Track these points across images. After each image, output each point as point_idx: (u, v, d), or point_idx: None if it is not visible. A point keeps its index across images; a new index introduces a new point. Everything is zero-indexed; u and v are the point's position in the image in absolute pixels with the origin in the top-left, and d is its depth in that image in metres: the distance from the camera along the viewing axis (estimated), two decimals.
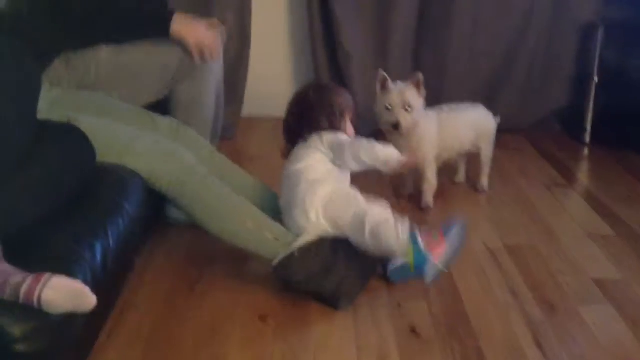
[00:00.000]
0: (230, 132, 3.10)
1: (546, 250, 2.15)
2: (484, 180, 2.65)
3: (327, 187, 1.83)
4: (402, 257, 1.81)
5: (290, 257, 1.77)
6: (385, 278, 1.90)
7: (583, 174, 2.98)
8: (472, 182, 2.68)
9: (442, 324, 1.76)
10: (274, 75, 3.44)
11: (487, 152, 2.61)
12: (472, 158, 2.64)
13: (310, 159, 1.87)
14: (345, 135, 1.92)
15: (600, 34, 3.10)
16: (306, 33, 3.25)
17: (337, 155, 1.86)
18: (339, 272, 1.78)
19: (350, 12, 3.17)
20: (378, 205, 1.81)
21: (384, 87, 2.30)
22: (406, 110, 2.27)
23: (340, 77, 3.22)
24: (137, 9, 2.10)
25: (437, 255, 1.80)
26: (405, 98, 2.27)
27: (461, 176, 2.72)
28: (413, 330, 1.73)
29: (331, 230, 1.80)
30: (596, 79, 3.14)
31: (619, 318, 1.80)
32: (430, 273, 1.80)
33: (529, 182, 2.74)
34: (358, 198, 1.83)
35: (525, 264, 2.06)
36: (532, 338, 1.70)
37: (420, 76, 2.29)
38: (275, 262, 1.78)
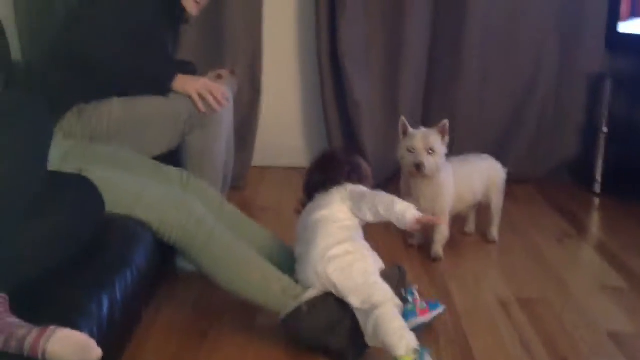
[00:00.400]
0: (240, 181, 3.12)
1: (558, 303, 2.12)
2: (494, 231, 2.63)
3: (344, 245, 1.80)
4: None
5: (298, 311, 1.75)
6: None
7: (594, 225, 2.97)
8: (482, 232, 2.66)
9: None
10: (284, 125, 3.48)
11: (497, 202, 2.61)
12: (482, 209, 2.63)
13: (331, 208, 1.87)
14: (366, 188, 1.93)
15: (608, 85, 3.13)
16: (317, 85, 3.28)
17: (355, 204, 1.86)
18: (347, 326, 1.75)
19: (360, 66, 3.21)
20: (391, 299, 1.73)
21: (405, 132, 2.33)
22: (429, 153, 2.28)
23: (350, 127, 3.24)
24: (139, 69, 2.16)
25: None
26: (428, 141, 2.29)
27: (471, 226, 2.71)
28: None
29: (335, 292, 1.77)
30: (605, 129, 3.15)
31: None
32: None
33: (540, 233, 2.72)
34: (371, 272, 1.78)
35: (538, 317, 2.03)
36: None
37: (447, 123, 2.31)
38: (283, 316, 1.77)
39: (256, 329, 1.92)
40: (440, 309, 1.94)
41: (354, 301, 1.73)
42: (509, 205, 2.86)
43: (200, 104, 2.15)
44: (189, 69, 2.40)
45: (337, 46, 3.13)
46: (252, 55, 3.17)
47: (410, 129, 2.33)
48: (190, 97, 2.15)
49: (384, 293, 1.73)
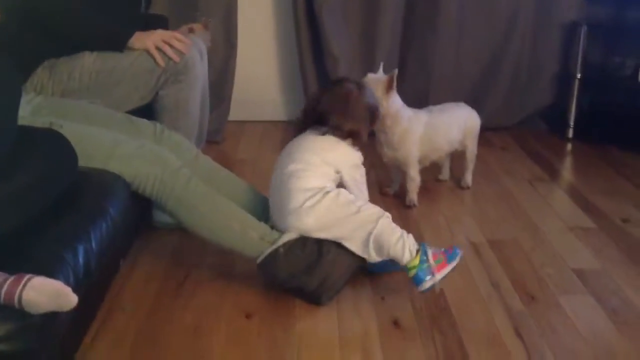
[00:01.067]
0: (218, 136, 3.14)
1: (528, 244, 2.19)
2: (468, 177, 2.68)
3: (318, 192, 1.82)
4: (406, 265, 1.78)
5: (274, 255, 1.80)
6: (367, 269, 1.93)
7: (566, 169, 3.02)
8: (457, 179, 2.71)
9: (424, 317, 1.79)
10: (261, 79, 3.48)
11: (472, 149, 2.65)
12: (457, 156, 2.68)
13: (312, 169, 1.85)
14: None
15: (583, 33, 3.15)
16: (293, 38, 3.28)
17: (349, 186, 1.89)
18: (322, 269, 1.81)
19: (336, 18, 3.20)
20: (378, 210, 1.82)
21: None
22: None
23: (325, 81, 3.25)
24: (96, 27, 2.17)
25: (440, 272, 1.78)
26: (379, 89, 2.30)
27: (446, 174, 2.76)
28: (395, 323, 1.76)
29: (325, 236, 1.81)
30: (579, 76, 3.19)
31: (598, 307, 1.83)
32: (427, 286, 1.77)
33: (513, 178, 2.77)
34: (356, 204, 1.83)
35: (507, 258, 2.10)
36: (513, 328, 1.73)
37: (395, 73, 2.33)
38: (260, 259, 1.82)
39: (234, 276, 1.97)
40: (456, 258, 1.81)
41: (343, 235, 1.79)
42: (484, 152, 2.91)
43: (158, 58, 2.16)
44: (161, 23, 2.40)
45: None
46: (227, 8, 3.15)
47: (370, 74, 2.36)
48: (148, 51, 2.15)
49: (371, 212, 1.80)
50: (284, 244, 1.80)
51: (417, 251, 1.78)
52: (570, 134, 3.24)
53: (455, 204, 2.57)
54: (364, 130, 1.93)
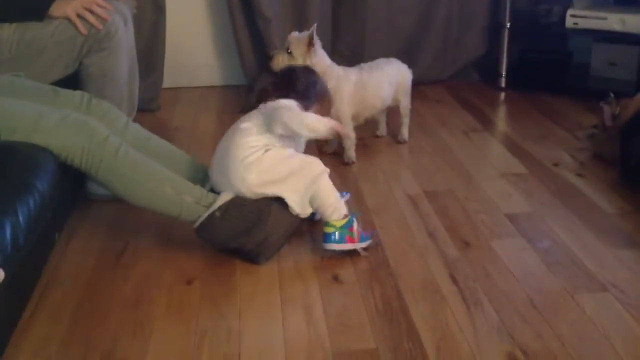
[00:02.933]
0: (152, 104, 3.09)
1: (463, 193, 2.24)
2: (405, 132, 2.71)
3: (259, 149, 1.83)
4: (329, 222, 1.84)
5: (210, 219, 1.80)
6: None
7: (499, 118, 3.08)
8: (394, 134, 2.74)
9: (363, 270, 1.82)
10: (193, 44, 3.42)
11: (405, 104, 2.68)
12: (393, 111, 2.70)
13: (256, 128, 1.85)
14: (287, 102, 1.92)
15: None
16: (223, 0, 3.22)
17: (266, 119, 1.86)
18: (262, 230, 1.82)
19: None
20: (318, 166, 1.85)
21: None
22: (287, 53, 2.35)
23: (259, 43, 3.22)
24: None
25: (348, 245, 1.85)
26: (289, 43, 2.36)
27: (382, 129, 2.78)
28: (336, 278, 1.79)
29: (266, 192, 1.82)
30: (508, 26, 3.23)
31: (530, 249, 1.89)
32: (333, 248, 1.84)
33: (448, 130, 2.82)
34: (297, 158, 1.85)
35: (443, 207, 2.14)
36: (448, 274, 1.78)
37: (314, 28, 2.34)
38: (196, 224, 1.81)
39: (174, 243, 1.97)
40: (365, 242, 1.89)
41: (283, 192, 1.81)
42: (419, 105, 2.95)
43: (80, 25, 2.10)
44: None
45: None
46: None
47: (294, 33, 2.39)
48: (69, 19, 2.09)
49: (313, 169, 1.83)
50: (220, 207, 1.80)
51: (345, 216, 1.84)
52: (503, 83, 3.30)
53: (392, 159, 2.60)
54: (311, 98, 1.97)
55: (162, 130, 2.93)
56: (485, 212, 2.10)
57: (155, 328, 1.61)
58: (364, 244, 1.88)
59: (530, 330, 1.54)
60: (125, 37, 2.23)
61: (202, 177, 1.96)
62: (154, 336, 1.58)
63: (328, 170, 1.85)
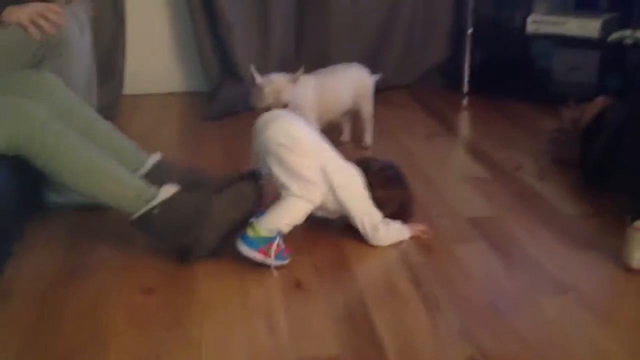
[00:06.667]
0: (111, 111, 3.03)
1: (425, 198, 2.23)
2: (368, 137, 2.71)
3: None
4: (254, 225, 1.81)
5: (148, 215, 1.78)
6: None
7: (462, 123, 3.10)
8: (358, 139, 2.74)
9: (325, 275, 1.81)
10: (154, 50, 3.38)
11: (367, 109, 2.68)
12: (356, 117, 2.70)
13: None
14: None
15: None
16: (184, 5, 3.19)
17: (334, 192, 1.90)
18: (197, 229, 1.79)
19: None
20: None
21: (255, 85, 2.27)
22: (283, 107, 2.23)
23: (223, 49, 3.19)
24: None
25: (262, 256, 1.81)
26: (279, 97, 2.23)
27: (346, 135, 2.78)
28: (298, 285, 1.77)
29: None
30: (470, 31, 3.26)
31: (492, 253, 1.90)
32: (245, 253, 1.81)
33: (412, 135, 2.82)
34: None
35: None
36: (410, 279, 1.77)
37: (302, 70, 2.30)
38: (133, 217, 1.79)
39: (132, 253, 1.92)
40: (280, 261, 1.83)
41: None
42: (383, 111, 2.95)
43: (34, 32, 2.05)
44: None
45: None
46: None
47: (258, 80, 2.24)
48: (23, 26, 2.05)
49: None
50: (159, 204, 1.78)
51: (272, 232, 1.80)
52: (466, 88, 3.33)
53: None
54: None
55: None
56: (447, 217, 2.10)
57: (114, 338, 1.57)
58: (277, 263, 1.82)
59: (492, 334, 1.54)
60: (81, 44, 2.19)
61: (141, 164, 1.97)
62: (113, 346, 1.54)
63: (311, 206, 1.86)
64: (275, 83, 2.25)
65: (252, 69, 2.29)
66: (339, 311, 1.65)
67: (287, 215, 1.84)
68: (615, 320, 1.60)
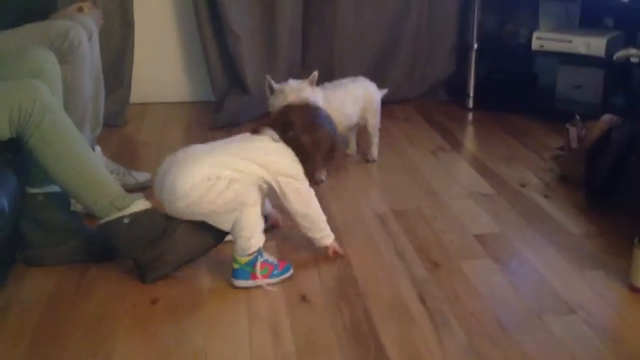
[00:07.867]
0: (119, 119, 3.05)
1: (431, 212, 2.24)
2: (374, 150, 2.72)
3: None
4: (235, 257, 1.80)
5: (117, 222, 1.78)
6: None
7: (466, 138, 3.11)
8: (363, 152, 2.74)
9: (331, 289, 1.81)
10: (162, 59, 3.40)
11: (374, 123, 2.68)
12: (362, 130, 2.70)
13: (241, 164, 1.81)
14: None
15: (477, 3, 3.22)
16: (192, 16, 3.20)
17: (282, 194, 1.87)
18: (159, 247, 1.79)
19: None
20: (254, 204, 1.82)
21: (273, 90, 2.39)
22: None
23: (230, 59, 3.20)
24: None
25: (260, 280, 1.81)
26: (301, 96, 2.32)
27: (352, 148, 2.79)
28: (303, 298, 1.77)
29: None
30: (476, 47, 3.27)
31: (497, 270, 1.90)
32: (240, 285, 1.80)
33: (417, 149, 2.83)
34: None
35: (412, 227, 2.14)
36: (417, 295, 1.77)
37: (316, 74, 2.39)
38: (101, 222, 1.79)
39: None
40: (280, 276, 1.85)
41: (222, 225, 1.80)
42: (388, 125, 2.96)
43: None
44: (48, 2, 2.29)
45: None
46: None
47: (276, 86, 2.37)
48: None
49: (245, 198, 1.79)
50: (130, 215, 1.78)
51: (252, 254, 1.78)
52: (471, 103, 3.33)
53: (361, 177, 2.60)
54: (319, 161, 1.94)
55: (128, 145, 2.91)
56: (453, 232, 2.10)
57: (118, 348, 1.57)
58: (274, 280, 1.82)
59: (498, 351, 1.54)
60: (89, 51, 2.19)
61: None
62: (117, 356, 1.54)
63: (253, 207, 1.80)
64: (295, 84, 2.38)
65: (268, 78, 2.40)
66: (345, 325, 1.65)
67: (243, 230, 1.78)
68: (620, 340, 1.60)
